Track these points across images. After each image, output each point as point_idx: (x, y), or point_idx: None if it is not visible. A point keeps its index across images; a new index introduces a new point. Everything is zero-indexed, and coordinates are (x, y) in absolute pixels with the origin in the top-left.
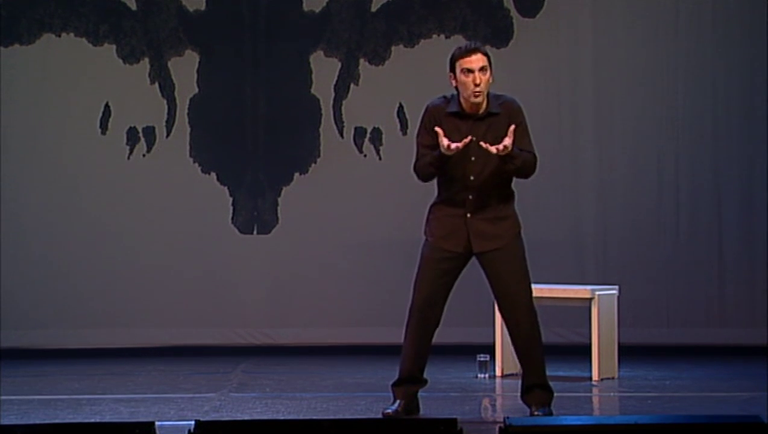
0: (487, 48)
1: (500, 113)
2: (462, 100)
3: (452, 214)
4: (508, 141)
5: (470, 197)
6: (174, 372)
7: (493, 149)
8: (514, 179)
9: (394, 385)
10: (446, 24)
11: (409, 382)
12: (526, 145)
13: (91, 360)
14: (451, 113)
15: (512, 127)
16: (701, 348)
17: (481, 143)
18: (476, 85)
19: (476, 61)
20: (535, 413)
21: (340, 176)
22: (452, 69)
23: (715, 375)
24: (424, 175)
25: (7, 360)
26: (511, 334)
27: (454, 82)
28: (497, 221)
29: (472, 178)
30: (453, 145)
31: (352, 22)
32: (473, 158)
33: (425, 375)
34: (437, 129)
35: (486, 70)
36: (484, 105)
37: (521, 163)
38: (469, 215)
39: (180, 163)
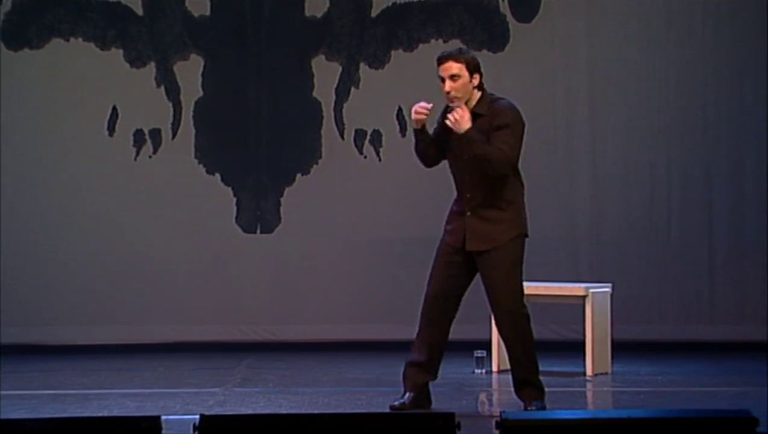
0: (484, 52)
1: (485, 115)
2: None
3: (458, 211)
4: (454, 116)
5: (468, 195)
6: (179, 367)
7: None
8: (515, 183)
9: (403, 376)
10: (444, 29)
11: (416, 367)
12: (501, 140)
13: (98, 356)
14: (444, 114)
15: (459, 110)
16: (692, 344)
17: (447, 121)
18: (447, 93)
19: (446, 69)
20: (529, 407)
21: (341, 177)
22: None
23: (706, 371)
24: (417, 156)
25: (17, 356)
26: (500, 335)
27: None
28: (494, 222)
29: (467, 176)
30: (415, 117)
31: (352, 27)
32: (466, 157)
33: (438, 371)
34: (420, 107)
35: (457, 77)
36: (470, 106)
37: (482, 151)
38: (468, 213)
39: (185, 164)
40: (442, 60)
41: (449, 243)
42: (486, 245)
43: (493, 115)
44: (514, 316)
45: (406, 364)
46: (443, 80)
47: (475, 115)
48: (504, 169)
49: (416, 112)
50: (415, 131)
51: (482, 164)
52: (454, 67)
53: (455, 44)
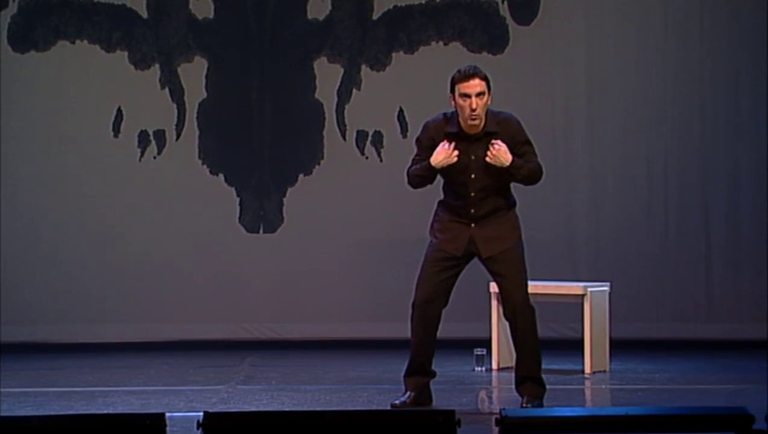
0: (484, 54)
1: (498, 132)
2: (461, 121)
3: (456, 222)
4: (506, 158)
5: (472, 211)
6: (183, 365)
7: (501, 160)
8: (510, 188)
9: (404, 376)
10: (444, 31)
11: (418, 373)
12: (531, 156)
13: (103, 354)
14: (450, 133)
15: (497, 145)
16: (689, 342)
17: (487, 158)
18: (473, 110)
19: (474, 86)
20: (525, 405)
21: (343, 177)
22: (452, 91)
23: (703, 368)
24: (413, 183)
25: (23, 354)
26: (510, 329)
27: (453, 103)
28: (500, 224)
29: (473, 194)
30: (440, 160)
31: (354, 29)
32: (473, 176)
33: (433, 368)
34: (445, 142)
35: (483, 94)
36: (482, 125)
37: (527, 172)
38: (473, 225)
39: (189, 164)
40: (468, 77)
41: (446, 249)
42: (501, 247)
43: (509, 133)
44: (527, 309)
45: (405, 372)
46: (467, 97)
47: (488, 134)
48: (541, 178)
49: (451, 156)
50: (433, 167)
51: (529, 182)
52: (481, 84)
53: (456, 47)
